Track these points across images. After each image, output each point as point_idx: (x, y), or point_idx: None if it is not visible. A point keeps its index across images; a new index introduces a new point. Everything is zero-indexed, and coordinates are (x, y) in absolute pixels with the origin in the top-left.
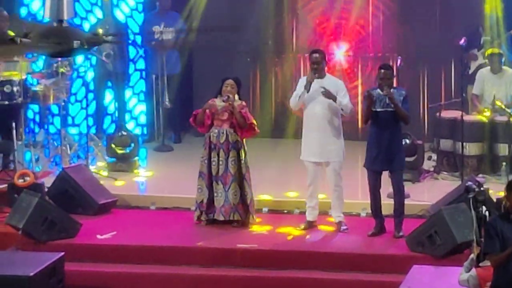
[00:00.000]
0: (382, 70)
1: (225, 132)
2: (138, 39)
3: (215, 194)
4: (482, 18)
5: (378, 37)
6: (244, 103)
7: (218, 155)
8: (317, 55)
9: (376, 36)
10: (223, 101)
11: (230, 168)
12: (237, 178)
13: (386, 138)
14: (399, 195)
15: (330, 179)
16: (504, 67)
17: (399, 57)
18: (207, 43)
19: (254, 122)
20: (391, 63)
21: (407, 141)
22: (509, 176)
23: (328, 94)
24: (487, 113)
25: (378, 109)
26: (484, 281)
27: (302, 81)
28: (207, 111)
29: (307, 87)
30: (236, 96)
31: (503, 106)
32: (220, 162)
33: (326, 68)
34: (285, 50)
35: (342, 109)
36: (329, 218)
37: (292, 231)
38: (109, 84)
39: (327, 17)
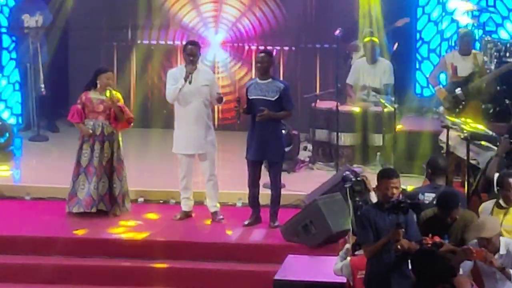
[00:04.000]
0: (260, 54)
1: (100, 124)
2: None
3: (80, 187)
4: (358, 10)
5: (255, 28)
6: (119, 94)
7: (91, 147)
8: (192, 46)
9: (252, 27)
10: (109, 99)
11: (103, 160)
12: (108, 169)
13: (263, 127)
14: (275, 186)
15: (204, 170)
16: (380, 58)
17: (275, 48)
18: (82, 32)
19: (132, 116)
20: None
21: (283, 131)
22: (384, 166)
23: (219, 101)
24: (362, 103)
25: (254, 97)
26: (357, 270)
27: (171, 74)
28: (79, 106)
29: (188, 78)
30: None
31: (375, 93)
32: (96, 154)
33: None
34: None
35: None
36: (205, 209)
37: (167, 221)
38: None
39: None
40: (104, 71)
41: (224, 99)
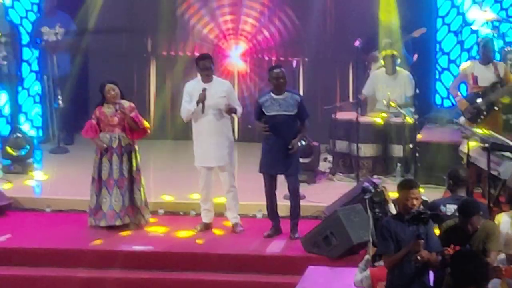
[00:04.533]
0: (274, 70)
1: (117, 136)
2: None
3: (103, 200)
4: (377, 21)
5: (274, 40)
6: (132, 104)
7: (110, 160)
8: (204, 61)
9: (271, 38)
10: (116, 109)
11: (124, 171)
12: (129, 181)
13: (281, 143)
14: (294, 197)
15: (224, 181)
16: (398, 68)
17: (295, 59)
18: (102, 45)
19: (147, 125)
20: (292, 65)
21: (303, 142)
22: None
23: (229, 112)
24: (383, 114)
25: (274, 113)
26: (377, 281)
27: (187, 88)
28: (93, 121)
29: (202, 108)
30: (126, 101)
31: (398, 107)
32: (115, 167)
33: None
34: (178, 51)
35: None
36: (225, 221)
37: (188, 233)
38: (3, 86)
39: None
40: (105, 84)
41: (238, 110)
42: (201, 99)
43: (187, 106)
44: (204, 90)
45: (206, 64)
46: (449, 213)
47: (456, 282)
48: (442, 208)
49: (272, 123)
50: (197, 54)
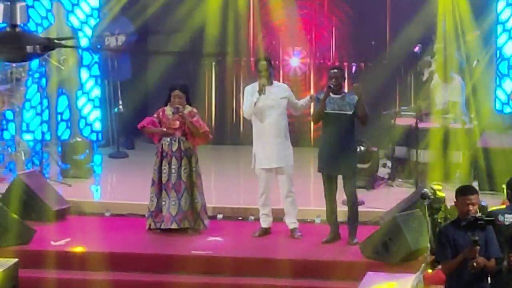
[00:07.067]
0: (333, 70)
1: (177, 140)
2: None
3: (163, 203)
4: (434, 25)
5: (332, 45)
6: (195, 109)
7: (169, 163)
8: (263, 62)
9: (330, 44)
10: (173, 113)
11: (182, 175)
12: (188, 185)
13: (337, 142)
14: (352, 202)
15: (283, 185)
16: (454, 75)
17: (354, 64)
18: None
19: (207, 129)
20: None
21: (362, 148)
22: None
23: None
24: (441, 120)
25: (330, 111)
26: (430, 284)
27: (247, 90)
28: (156, 121)
29: (262, 92)
30: (188, 107)
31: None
32: (173, 170)
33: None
34: (240, 55)
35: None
36: (284, 226)
37: (246, 238)
38: (63, 90)
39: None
40: (173, 88)
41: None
42: (261, 88)
43: (250, 99)
44: (263, 85)
45: (264, 66)
46: (507, 223)
47: None
48: (500, 217)
49: (328, 121)
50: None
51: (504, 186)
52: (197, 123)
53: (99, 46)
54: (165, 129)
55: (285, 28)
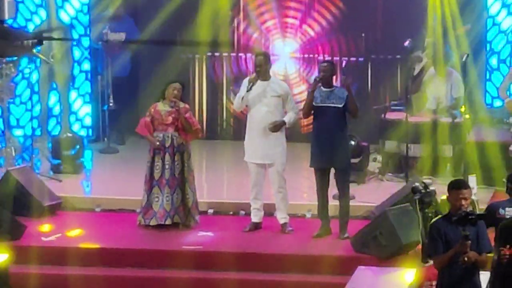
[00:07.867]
0: (323, 64)
1: (170, 136)
2: (84, 40)
3: (155, 199)
4: (425, 19)
5: (323, 39)
6: (187, 106)
7: (162, 159)
8: (260, 57)
9: (320, 38)
10: (171, 107)
11: (175, 171)
12: (181, 181)
13: (329, 135)
14: (344, 196)
15: (273, 181)
16: (449, 68)
17: (344, 58)
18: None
19: (199, 127)
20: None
21: (353, 142)
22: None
23: (275, 129)
24: (431, 114)
25: (320, 104)
26: (424, 279)
27: (244, 83)
28: (148, 119)
29: (249, 87)
30: (181, 103)
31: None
32: (166, 166)
33: (270, 70)
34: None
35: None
36: (275, 221)
37: (237, 232)
38: (54, 85)
39: (273, 17)
40: (171, 81)
41: (290, 117)
42: (251, 81)
43: (239, 94)
44: (255, 76)
45: (261, 61)
46: (507, 216)
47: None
48: (501, 211)
49: (318, 114)
50: (248, 54)
51: (504, 180)
52: (190, 120)
53: (100, 42)
54: (158, 143)
55: (275, 22)
